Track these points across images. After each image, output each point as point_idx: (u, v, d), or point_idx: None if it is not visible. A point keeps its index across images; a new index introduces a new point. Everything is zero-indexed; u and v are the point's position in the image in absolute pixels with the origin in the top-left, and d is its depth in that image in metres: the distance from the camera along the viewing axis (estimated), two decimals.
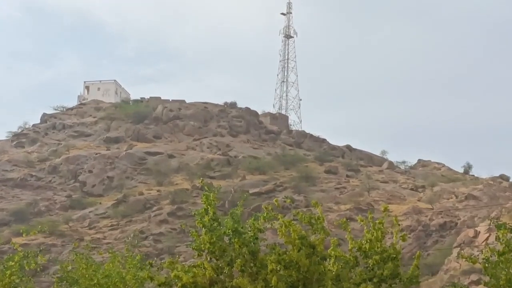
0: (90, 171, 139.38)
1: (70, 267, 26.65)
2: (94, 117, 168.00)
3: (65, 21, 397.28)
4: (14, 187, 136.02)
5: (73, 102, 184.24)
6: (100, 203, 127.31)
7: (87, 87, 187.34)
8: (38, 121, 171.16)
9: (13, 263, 26.59)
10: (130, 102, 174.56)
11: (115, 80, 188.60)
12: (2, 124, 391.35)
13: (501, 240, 25.09)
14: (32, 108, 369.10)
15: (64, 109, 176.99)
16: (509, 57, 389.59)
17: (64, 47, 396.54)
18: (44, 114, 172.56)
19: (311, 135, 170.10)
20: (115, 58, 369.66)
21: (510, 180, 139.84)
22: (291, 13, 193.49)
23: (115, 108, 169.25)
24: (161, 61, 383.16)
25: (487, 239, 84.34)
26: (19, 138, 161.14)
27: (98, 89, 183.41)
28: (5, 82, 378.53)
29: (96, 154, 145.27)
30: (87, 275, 25.19)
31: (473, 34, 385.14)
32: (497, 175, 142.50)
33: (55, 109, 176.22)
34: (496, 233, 25.71)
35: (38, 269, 27.69)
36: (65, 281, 26.35)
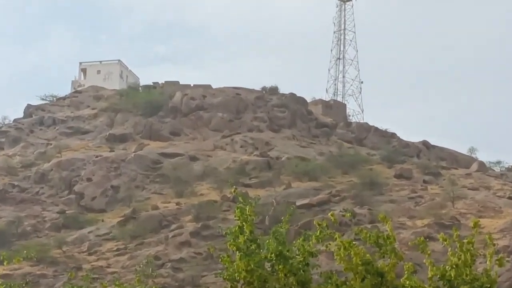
0: (89, 179, 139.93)
1: None
2: (93, 109, 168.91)
3: None
4: None
5: (66, 90, 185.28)
6: (103, 221, 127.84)
7: (83, 70, 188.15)
8: (21, 115, 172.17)
9: None
10: (140, 88, 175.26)
11: (119, 61, 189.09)
12: None
13: None
14: (14, 100, 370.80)
15: (54, 99, 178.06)
16: None
17: (55, 22, 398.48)
18: (29, 106, 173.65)
19: (376, 129, 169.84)
20: (119, 34, 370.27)
21: None
22: None
23: (120, 97, 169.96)
24: (178, 37, 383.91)
25: None
26: None
27: (98, 72, 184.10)
28: None
29: (97, 156, 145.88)
30: None
31: None
32: None
33: (43, 99, 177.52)
34: None
35: None
36: None
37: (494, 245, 28.38)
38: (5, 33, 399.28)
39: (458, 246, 27.20)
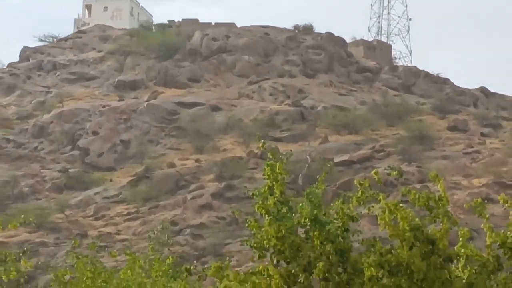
0: (95, 133, 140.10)
1: (68, 276, 26.91)
2: (100, 51, 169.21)
3: None
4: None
5: (68, 30, 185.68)
6: (111, 181, 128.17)
7: (87, 7, 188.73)
8: (17, 59, 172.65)
9: None
10: (153, 27, 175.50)
11: None
12: None
13: None
14: (7, 41, 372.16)
15: (55, 40, 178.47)
16: None
17: None
18: (25, 49, 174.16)
19: (427, 74, 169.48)
20: None
21: None
22: None
23: (130, 37, 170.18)
24: None
25: None
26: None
27: (105, 8, 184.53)
28: None
29: (104, 106, 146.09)
30: (93, 287, 25.45)
31: None
32: None
33: (42, 40, 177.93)
34: None
35: (22, 280, 28.06)
36: None
37: None
38: None
39: None
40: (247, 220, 28.33)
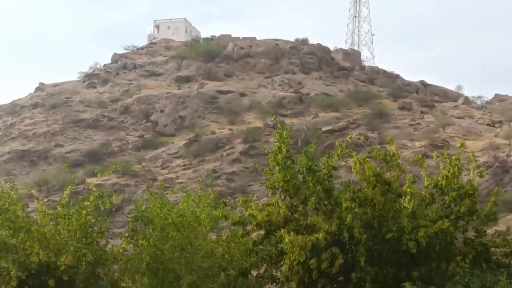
0: (161, 111, 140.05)
1: (144, 207, 26.91)
2: (165, 56, 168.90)
3: None
4: (87, 127, 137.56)
5: (143, 42, 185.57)
6: (173, 143, 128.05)
7: (157, 26, 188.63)
8: (109, 62, 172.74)
9: (88, 203, 26.96)
10: (201, 40, 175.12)
11: (185, 19, 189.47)
12: (74, 65, 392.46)
13: None
14: (103, 49, 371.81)
15: (135, 48, 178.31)
16: None
17: None
18: (115, 54, 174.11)
19: (384, 71, 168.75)
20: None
21: None
22: None
23: (185, 47, 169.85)
24: (228, 0, 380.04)
25: None
26: (91, 78, 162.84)
27: (168, 27, 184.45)
28: (76, 25, 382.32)
29: (168, 93, 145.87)
30: (161, 215, 25.44)
31: None
32: None
33: (126, 49, 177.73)
34: None
35: (113, 209, 28.05)
36: (139, 221, 26.64)
37: (476, 161, 28.29)
38: None
39: (448, 162, 27.13)
40: (264, 169, 28.46)
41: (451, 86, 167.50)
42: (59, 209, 27.50)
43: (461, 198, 26.34)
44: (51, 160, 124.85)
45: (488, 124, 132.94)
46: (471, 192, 26.53)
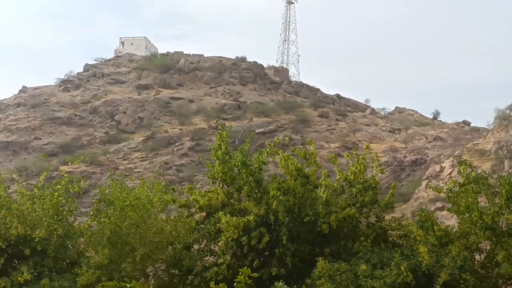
0: (124, 112, 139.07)
1: (107, 191, 26.83)
2: (128, 68, 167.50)
3: None
4: (61, 124, 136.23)
5: (110, 55, 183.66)
6: (132, 139, 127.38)
7: (122, 43, 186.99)
8: (82, 70, 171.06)
9: (60, 187, 26.93)
10: (158, 55, 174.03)
11: (145, 37, 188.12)
12: (51, 72, 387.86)
13: (462, 174, 25.20)
14: (77, 60, 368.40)
15: (103, 60, 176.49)
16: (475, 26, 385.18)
17: (101, 10, 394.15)
18: (87, 64, 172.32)
19: (307, 85, 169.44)
20: (144, 19, 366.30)
21: (471, 125, 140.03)
22: None
23: (145, 60, 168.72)
24: (182, 23, 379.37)
25: (450, 173, 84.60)
26: (66, 84, 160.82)
27: (131, 44, 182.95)
28: (54, 39, 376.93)
29: (129, 98, 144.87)
30: (121, 197, 25.34)
31: (450, 7, 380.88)
32: (460, 120, 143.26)
33: (96, 60, 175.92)
34: (458, 168, 25.82)
35: (81, 192, 28.01)
36: (103, 202, 26.55)
37: (378, 160, 28.61)
38: (70, 16, 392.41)
39: (356, 160, 27.36)
40: (207, 163, 28.36)
41: (360, 99, 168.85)
42: (35, 191, 27.56)
43: (366, 190, 26.61)
44: (30, 150, 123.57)
45: (389, 131, 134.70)
46: (374, 185, 26.82)
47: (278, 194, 25.69)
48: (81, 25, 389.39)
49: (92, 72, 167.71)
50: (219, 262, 25.46)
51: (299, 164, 26.63)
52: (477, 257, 24.59)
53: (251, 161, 27.11)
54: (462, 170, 25.29)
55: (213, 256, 26.84)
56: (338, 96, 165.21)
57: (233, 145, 29.19)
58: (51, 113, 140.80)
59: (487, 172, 26.21)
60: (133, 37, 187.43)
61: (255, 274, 10.38)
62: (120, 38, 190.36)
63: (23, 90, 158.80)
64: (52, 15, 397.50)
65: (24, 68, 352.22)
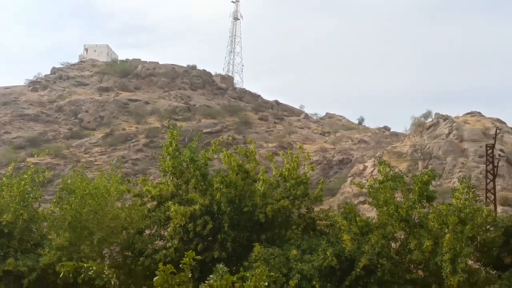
0: (86, 111, 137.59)
1: (69, 181, 26.50)
2: (91, 72, 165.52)
3: (66, 0, 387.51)
4: (30, 120, 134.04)
5: (75, 60, 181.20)
6: (93, 135, 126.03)
7: (86, 49, 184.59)
8: (49, 73, 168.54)
9: (26, 176, 26.56)
10: (118, 61, 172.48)
11: (107, 45, 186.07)
12: (22, 74, 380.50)
13: (381, 173, 25.54)
14: (45, 64, 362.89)
15: (69, 64, 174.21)
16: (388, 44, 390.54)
17: (67, 20, 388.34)
18: (54, 68, 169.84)
19: (250, 92, 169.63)
20: (107, 29, 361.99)
21: (390, 130, 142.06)
22: (239, 1, 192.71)
23: (106, 66, 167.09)
24: (140, 33, 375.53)
25: (372, 172, 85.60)
26: (34, 84, 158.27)
27: (95, 51, 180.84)
28: (25, 44, 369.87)
29: (91, 99, 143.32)
30: (81, 187, 25.07)
31: (369, 23, 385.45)
32: (382, 126, 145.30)
33: (62, 64, 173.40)
34: (379, 168, 26.16)
35: (45, 181, 27.64)
36: (65, 191, 26.22)
37: (310, 159, 28.76)
38: (40, 24, 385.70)
39: (290, 158, 27.44)
40: (159, 157, 28.18)
41: (296, 105, 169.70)
42: (4, 179, 27.13)
43: (298, 184, 26.74)
44: (1, 143, 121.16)
45: (320, 134, 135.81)
46: (305, 180, 26.97)
47: (221, 187, 25.66)
48: (50, 33, 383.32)
49: (59, 74, 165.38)
50: (167, 245, 25.32)
51: (240, 161, 26.65)
52: (392, 245, 24.92)
53: (198, 157, 27.03)
54: (381, 169, 25.63)
55: (162, 241, 26.68)
56: (276, 102, 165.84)
57: (182, 143, 29.08)
58: (20, 110, 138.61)
59: (403, 171, 26.63)
60: (96, 45, 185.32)
61: (199, 257, 10.30)
62: (85, 45, 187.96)
63: None
64: (24, 22, 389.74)
65: None
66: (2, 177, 27.80)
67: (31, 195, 26.90)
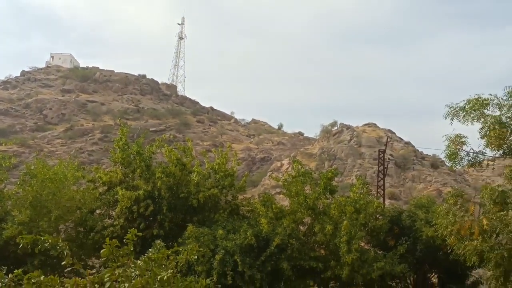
0: (50, 109, 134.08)
1: (32, 167, 25.76)
2: (55, 76, 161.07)
3: (36, 13, 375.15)
4: (1, 114, 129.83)
5: (42, 65, 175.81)
6: (56, 129, 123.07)
7: (52, 56, 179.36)
8: (19, 75, 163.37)
9: None
10: (79, 68, 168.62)
11: (71, 54, 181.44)
12: None
13: (294, 169, 25.80)
14: (15, 67, 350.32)
15: (36, 68, 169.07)
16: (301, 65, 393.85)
17: (36, 31, 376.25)
18: (23, 71, 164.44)
19: (189, 99, 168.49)
20: (70, 39, 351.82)
21: (304, 135, 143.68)
22: (183, 24, 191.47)
23: (69, 71, 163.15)
24: (98, 45, 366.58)
25: (287, 168, 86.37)
26: (5, 84, 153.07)
27: (59, 58, 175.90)
28: None
29: (55, 98, 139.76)
30: (42, 172, 24.39)
31: (290, 47, 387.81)
32: (297, 131, 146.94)
33: (30, 68, 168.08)
34: (293, 165, 26.40)
35: (11, 166, 26.72)
36: (28, 175, 25.46)
37: (237, 156, 28.76)
38: (12, 33, 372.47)
39: (220, 155, 27.37)
40: (111, 150, 27.64)
41: (227, 111, 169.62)
42: None
43: (226, 176, 26.72)
44: None
45: (246, 136, 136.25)
46: (232, 173, 26.96)
47: (162, 176, 25.38)
48: (20, 41, 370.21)
49: (27, 77, 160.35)
50: (114, 224, 24.94)
51: (179, 155, 26.42)
52: (301, 228, 25.19)
53: (144, 151, 26.69)
54: (295, 167, 25.90)
55: (110, 219, 26.22)
56: (211, 108, 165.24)
57: (131, 139, 28.68)
58: None
59: (312, 169, 26.99)
60: (61, 53, 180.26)
61: (140, 234, 10.14)
62: (51, 53, 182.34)
63: None
64: None
65: None
66: None
67: None
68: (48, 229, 23.48)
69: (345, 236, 22.59)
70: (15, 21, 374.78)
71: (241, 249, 22.50)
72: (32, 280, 10.04)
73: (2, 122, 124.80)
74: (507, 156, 19.08)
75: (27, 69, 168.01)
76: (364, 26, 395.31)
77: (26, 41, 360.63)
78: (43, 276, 10.28)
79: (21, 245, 10.55)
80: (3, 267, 10.68)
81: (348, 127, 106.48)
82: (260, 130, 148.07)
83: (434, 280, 26.49)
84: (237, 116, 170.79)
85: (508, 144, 18.58)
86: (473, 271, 25.73)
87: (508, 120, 18.46)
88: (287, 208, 25.22)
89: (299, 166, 25.78)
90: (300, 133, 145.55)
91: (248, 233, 22.78)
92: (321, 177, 25.06)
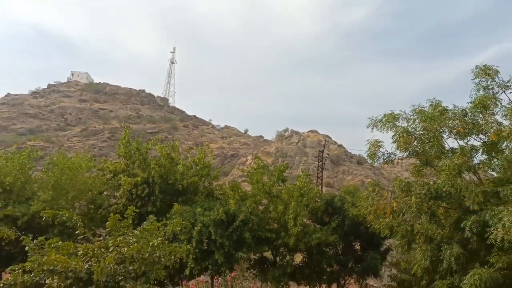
0: (70, 114, 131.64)
1: (54, 158, 25.16)
2: (75, 89, 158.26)
3: (56, 40, 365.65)
4: (30, 117, 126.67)
5: (64, 80, 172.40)
6: (74, 130, 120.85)
7: (72, 74, 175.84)
8: (46, 87, 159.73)
9: (24, 153, 24.98)
10: (93, 83, 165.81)
11: (87, 72, 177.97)
12: (27, 86, 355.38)
13: (256, 163, 25.84)
14: (43, 81, 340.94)
15: (60, 83, 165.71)
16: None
17: (56, 54, 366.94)
18: (49, 84, 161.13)
19: (178, 109, 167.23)
20: (84, 61, 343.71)
21: (264, 138, 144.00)
22: (174, 52, 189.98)
23: (85, 85, 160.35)
24: (108, 65, 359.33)
25: (250, 163, 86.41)
26: (35, 94, 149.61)
27: (78, 75, 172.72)
28: (28, 67, 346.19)
29: (74, 106, 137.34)
30: (62, 162, 23.86)
31: (254, 68, 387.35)
32: (259, 135, 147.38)
33: (55, 82, 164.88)
34: (255, 161, 26.40)
35: (38, 157, 26.05)
36: (51, 164, 24.88)
37: (213, 152, 28.55)
38: (32, 52, 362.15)
39: (200, 151, 26.97)
40: (117, 146, 27.06)
41: (207, 118, 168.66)
42: (9, 154, 25.38)
43: (204, 168, 26.51)
44: (10, 131, 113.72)
45: (221, 137, 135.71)
46: (208, 166, 26.75)
47: (155, 167, 25.05)
48: (44, 61, 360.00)
49: (52, 89, 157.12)
50: (118, 202, 24.53)
51: (168, 151, 26.09)
52: (260, 207, 25.25)
53: (142, 147, 26.30)
54: (256, 162, 25.95)
55: (114, 199, 25.76)
56: (194, 116, 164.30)
57: (133, 138, 28.22)
58: (24, 110, 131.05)
59: (269, 163, 27.04)
60: (79, 71, 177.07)
61: (138, 210, 10.05)
62: (71, 71, 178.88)
63: (8, 95, 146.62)
64: (26, 53, 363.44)
65: (6, 83, 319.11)
66: (9, 153, 25.97)
67: (27, 165, 25.26)
68: (65, 206, 22.98)
69: (292, 214, 22.84)
70: (40, 45, 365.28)
71: (214, 222, 22.44)
72: (52, 245, 9.99)
73: (32, 124, 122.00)
74: (411, 157, 19.84)
75: (52, 83, 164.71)
76: (312, 55, 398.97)
77: (48, 61, 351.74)
78: (60, 242, 10.24)
79: (44, 218, 10.59)
80: (30, 235, 10.50)
81: (297, 133, 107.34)
82: (231, 133, 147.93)
83: (357, 247, 26.93)
84: (214, 122, 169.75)
85: (413, 147, 19.27)
86: (385, 240, 26.45)
87: (413, 130, 19.21)
88: (249, 192, 25.26)
89: (260, 161, 25.91)
90: (261, 136, 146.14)
91: (220, 211, 22.72)
92: (276, 169, 25.26)
